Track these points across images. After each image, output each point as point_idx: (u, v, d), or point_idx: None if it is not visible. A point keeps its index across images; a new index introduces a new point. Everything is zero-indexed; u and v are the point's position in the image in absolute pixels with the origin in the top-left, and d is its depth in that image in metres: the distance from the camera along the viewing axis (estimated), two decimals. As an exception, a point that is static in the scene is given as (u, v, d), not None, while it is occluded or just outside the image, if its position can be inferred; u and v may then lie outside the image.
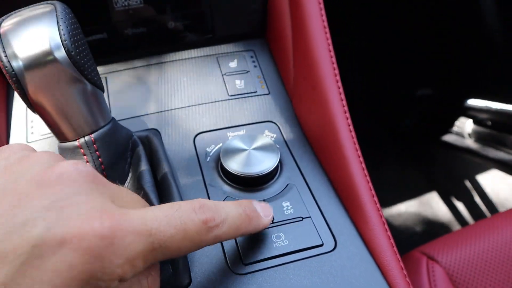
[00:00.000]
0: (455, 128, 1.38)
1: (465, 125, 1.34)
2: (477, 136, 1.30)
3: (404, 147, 1.67)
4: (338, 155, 0.61)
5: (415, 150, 1.64)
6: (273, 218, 0.56)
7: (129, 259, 0.32)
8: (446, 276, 0.75)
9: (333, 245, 0.55)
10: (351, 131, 0.62)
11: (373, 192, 0.59)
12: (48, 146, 0.67)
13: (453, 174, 1.56)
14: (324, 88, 0.64)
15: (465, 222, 1.46)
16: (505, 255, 0.79)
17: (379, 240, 0.54)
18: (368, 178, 0.60)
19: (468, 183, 1.54)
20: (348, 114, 0.63)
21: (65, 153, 0.54)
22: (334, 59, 0.66)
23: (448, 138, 1.42)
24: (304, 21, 0.68)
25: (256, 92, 0.74)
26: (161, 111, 0.71)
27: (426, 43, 1.50)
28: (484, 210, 1.47)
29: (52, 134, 0.68)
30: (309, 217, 0.57)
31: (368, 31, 1.68)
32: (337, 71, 0.65)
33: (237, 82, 0.75)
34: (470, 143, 1.32)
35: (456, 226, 1.45)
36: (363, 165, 0.60)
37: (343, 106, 0.63)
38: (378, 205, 0.58)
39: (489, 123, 1.26)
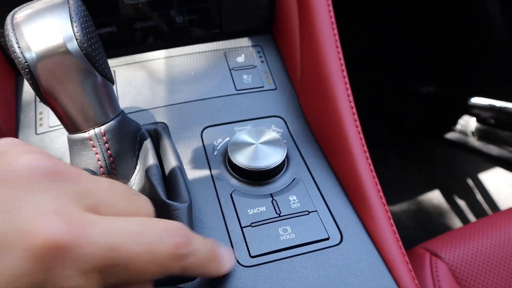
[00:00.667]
0: (458, 126, 1.38)
1: (469, 123, 1.35)
2: (481, 135, 1.30)
3: (406, 145, 1.67)
4: (345, 150, 0.61)
5: (417, 148, 1.65)
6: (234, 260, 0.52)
7: (83, 272, 0.29)
8: (449, 272, 0.76)
9: (339, 239, 0.55)
10: (357, 127, 0.63)
11: (379, 187, 0.59)
12: (56, 137, 0.68)
13: (455, 172, 1.56)
14: (332, 84, 0.64)
15: (467, 220, 1.47)
16: (507, 252, 0.80)
17: (385, 235, 0.55)
18: (374, 173, 0.60)
19: (470, 181, 1.54)
20: (354, 110, 0.64)
21: (75, 144, 0.54)
22: (341, 55, 0.66)
23: (451, 136, 1.42)
24: (311, 16, 0.68)
25: (263, 87, 0.75)
26: (169, 105, 0.71)
27: (428, 42, 1.50)
28: (486, 208, 1.47)
29: (61, 126, 0.69)
30: (316, 211, 0.58)
31: (369, 30, 1.68)
32: (344, 67, 0.66)
33: (245, 77, 0.75)
34: (473, 141, 1.33)
35: (458, 224, 1.46)
36: (369, 161, 0.61)
37: (350, 102, 0.64)
38: (383, 200, 0.58)
39: (493, 121, 1.26)
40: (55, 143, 0.67)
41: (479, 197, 1.49)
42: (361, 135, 0.63)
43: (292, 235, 0.55)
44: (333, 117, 0.64)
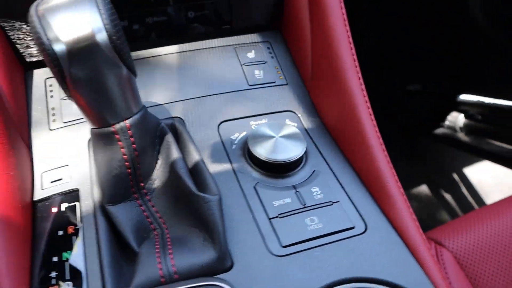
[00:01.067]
0: (447, 122, 1.43)
1: (457, 119, 1.40)
2: (469, 130, 1.36)
3: (402, 141, 1.71)
4: (362, 144, 0.63)
5: (408, 144, 1.69)
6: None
7: None
8: (454, 260, 0.79)
9: (364, 228, 0.57)
10: (372, 120, 0.65)
11: (396, 178, 0.61)
12: (71, 133, 0.67)
13: (443, 167, 1.62)
14: (346, 80, 0.66)
15: (455, 213, 1.52)
16: (506, 240, 0.84)
17: (406, 223, 0.57)
18: (391, 164, 0.62)
19: (456, 176, 1.60)
20: (369, 104, 0.66)
21: (100, 138, 0.54)
22: (354, 51, 0.68)
23: (440, 131, 1.47)
24: (324, 13, 0.69)
25: (274, 82, 0.76)
26: (184, 100, 0.71)
27: (419, 41, 1.55)
28: (471, 201, 1.53)
29: (76, 121, 0.68)
30: (338, 201, 0.60)
31: (376, 28, 1.70)
32: (357, 63, 0.68)
33: (256, 72, 0.76)
34: (462, 136, 1.38)
35: (446, 217, 1.51)
36: (385, 153, 0.63)
37: (364, 96, 0.66)
38: (401, 189, 0.61)
39: (480, 117, 1.31)
40: (70, 138, 0.67)
41: (464, 191, 1.55)
42: (376, 128, 0.65)
43: (320, 225, 0.56)
44: (349, 112, 0.66)
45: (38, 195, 0.61)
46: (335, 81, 0.68)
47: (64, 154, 0.65)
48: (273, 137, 0.63)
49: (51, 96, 0.72)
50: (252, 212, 0.58)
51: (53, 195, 0.61)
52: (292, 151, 0.62)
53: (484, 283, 0.79)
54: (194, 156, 0.61)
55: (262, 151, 0.61)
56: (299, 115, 0.73)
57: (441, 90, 1.50)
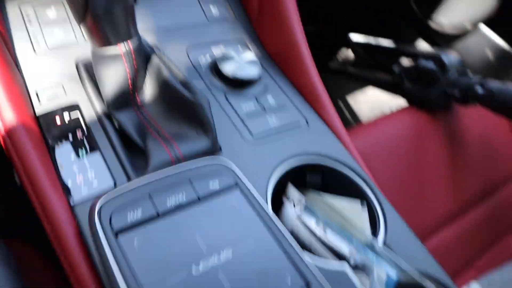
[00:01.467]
0: (339, 58, 1.74)
1: (347, 55, 1.71)
2: (356, 63, 1.68)
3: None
4: (301, 66, 0.85)
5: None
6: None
7: None
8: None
9: (306, 122, 0.81)
10: (307, 49, 0.87)
11: (324, 88, 0.85)
12: (57, 56, 0.75)
13: (336, 94, 1.95)
14: (289, 17, 0.87)
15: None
16: (392, 142, 1.17)
17: (334, 120, 0.82)
18: (320, 80, 0.86)
19: (343, 100, 1.95)
20: (304, 36, 0.87)
21: (104, 58, 0.65)
22: None
23: (334, 65, 1.78)
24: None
25: (227, 18, 0.93)
26: (154, 30, 0.84)
27: None
28: (354, 118, 1.91)
29: (60, 45, 0.76)
30: (286, 105, 0.82)
31: None
32: (295, 2, 0.88)
33: (211, 8, 0.92)
34: (351, 69, 1.70)
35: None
36: (317, 72, 0.86)
37: (302, 30, 0.87)
38: (329, 98, 0.85)
39: (364, 53, 1.64)
40: (57, 60, 0.74)
41: (353, 109, 1.91)
42: (311, 56, 0.87)
43: (277, 122, 0.78)
44: (290, 43, 0.87)
45: (38, 110, 0.68)
46: (280, 19, 0.87)
47: (54, 74, 0.72)
48: (236, 59, 0.81)
49: (29, 21, 0.78)
50: (226, 113, 0.76)
51: (54, 110, 0.68)
52: (252, 70, 0.81)
53: (377, 169, 1.11)
54: (178, 72, 0.75)
55: (229, 70, 0.79)
56: (249, 44, 0.91)
57: (332, 32, 1.80)
